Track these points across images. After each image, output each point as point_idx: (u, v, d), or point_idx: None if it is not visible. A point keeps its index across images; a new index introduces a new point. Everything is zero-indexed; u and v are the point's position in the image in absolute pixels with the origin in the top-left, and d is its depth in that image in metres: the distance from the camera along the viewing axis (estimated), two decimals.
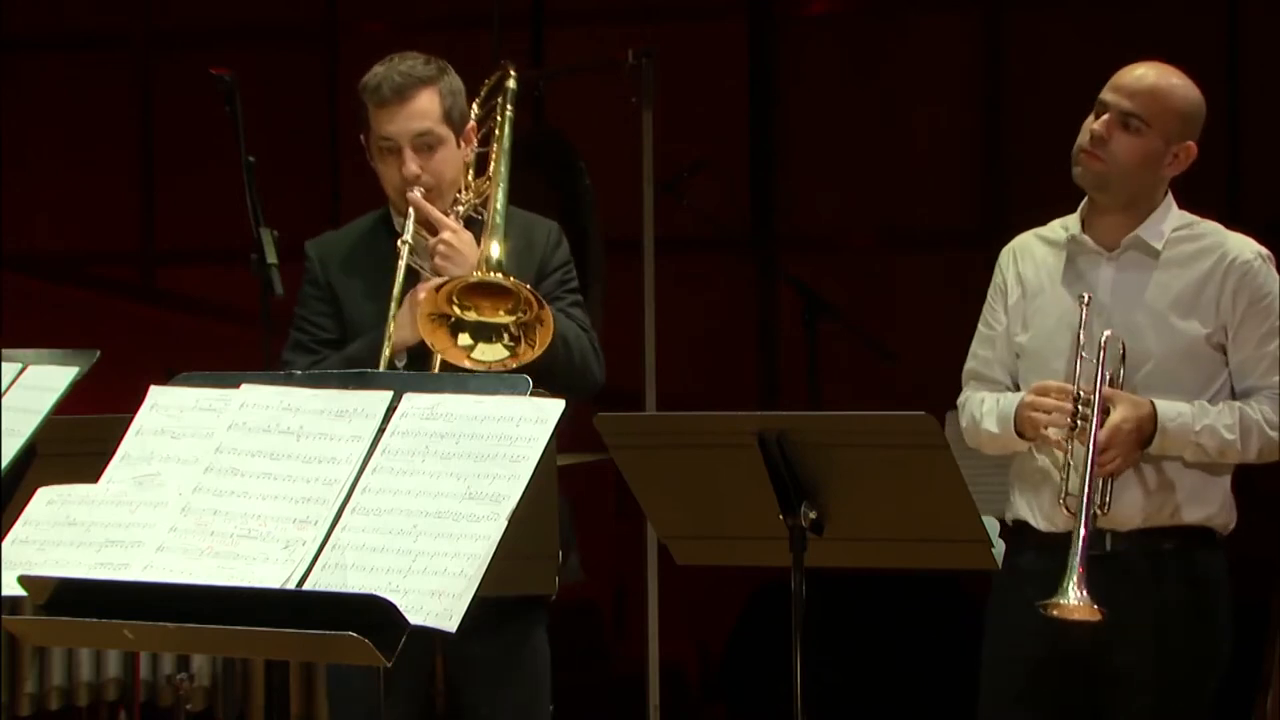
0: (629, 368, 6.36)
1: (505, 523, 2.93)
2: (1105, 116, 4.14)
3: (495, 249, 4.16)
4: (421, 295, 4.11)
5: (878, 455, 3.71)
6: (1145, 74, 4.18)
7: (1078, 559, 3.91)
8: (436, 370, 4.07)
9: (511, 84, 4.51)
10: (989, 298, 4.36)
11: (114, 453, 3.20)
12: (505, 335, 4.09)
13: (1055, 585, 3.93)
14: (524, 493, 2.96)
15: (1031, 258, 4.29)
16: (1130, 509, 4.13)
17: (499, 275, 4.09)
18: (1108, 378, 4.10)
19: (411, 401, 3.12)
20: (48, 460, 3.53)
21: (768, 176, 8.69)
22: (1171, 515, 4.14)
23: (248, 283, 4.43)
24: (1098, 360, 4.08)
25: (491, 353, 4.07)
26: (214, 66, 4.59)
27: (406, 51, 4.39)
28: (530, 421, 3.03)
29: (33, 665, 5.06)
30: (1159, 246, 4.18)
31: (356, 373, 3.25)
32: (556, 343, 4.11)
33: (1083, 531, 3.95)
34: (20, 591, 3.03)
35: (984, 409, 4.25)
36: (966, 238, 8.12)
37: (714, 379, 8.48)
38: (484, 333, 4.11)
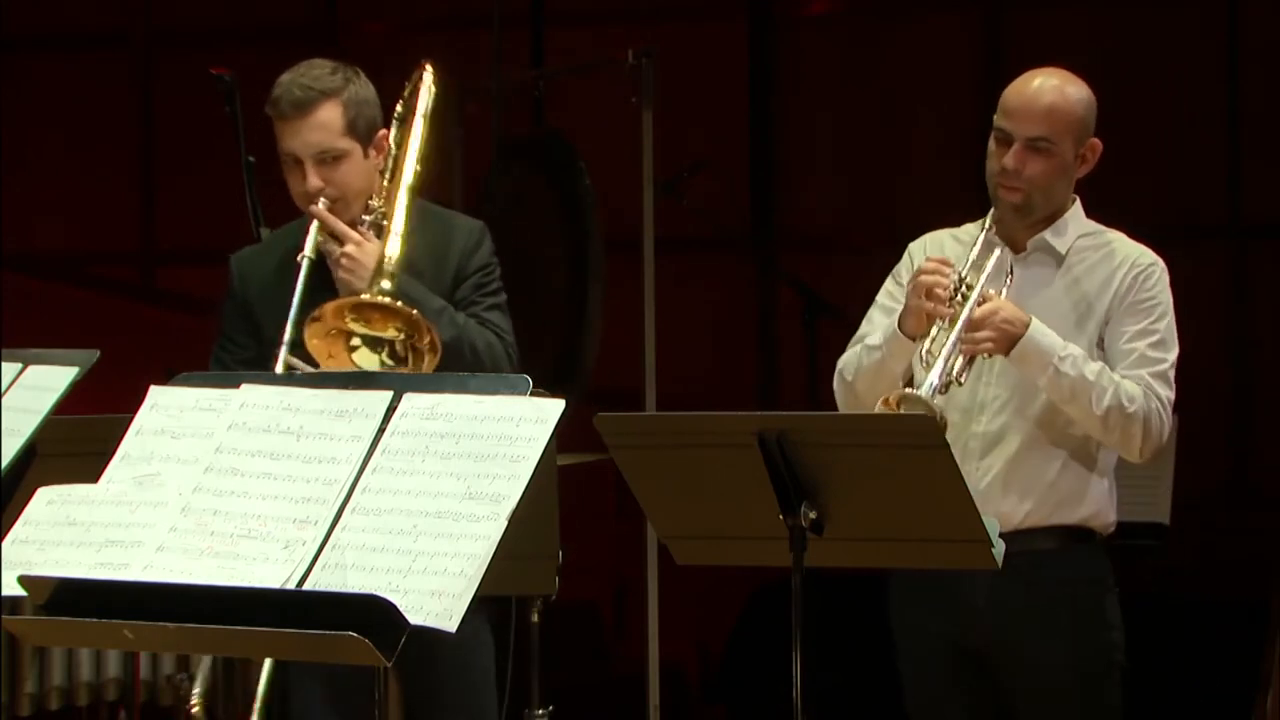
0: (629, 368, 6.36)
1: (505, 523, 2.94)
2: (1014, 148, 4.18)
3: (393, 255, 4.14)
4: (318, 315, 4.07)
5: (878, 455, 3.71)
6: (1038, 93, 4.21)
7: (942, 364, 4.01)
8: None
9: (428, 86, 4.36)
10: (891, 278, 4.37)
11: (114, 453, 3.20)
12: (388, 349, 4.07)
13: (949, 583, 4.08)
14: (524, 493, 2.96)
15: (941, 253, 4.31)
16: (1008, 509, 4.16)
17: (387, 299, 4.07)
18: (992, 291, 4.12)
19: (411, 401, 3.12)
20: (48, 460, 3.52)
21: (768, 176, 8.68)
22: (1050, 515, 4.18)
23: None
24: (984, 259, 4.15)
25: (369, 363, 4.06)
26: (214, 66, 4.59)
27: (316, 59, 4.29)
28: (530, 421, 3.03)
29: (33, 665, 5.06)
30: (1063, 251, 4.24)
31: (357, 373, 3.25)
32: (464, 351, 4.12)
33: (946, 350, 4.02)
34: (20, 591, 3.03)
35: (868, 340, 4.26)
36: None
37: (714, 379, 8.47)
38: (371, 342, 4.09)
